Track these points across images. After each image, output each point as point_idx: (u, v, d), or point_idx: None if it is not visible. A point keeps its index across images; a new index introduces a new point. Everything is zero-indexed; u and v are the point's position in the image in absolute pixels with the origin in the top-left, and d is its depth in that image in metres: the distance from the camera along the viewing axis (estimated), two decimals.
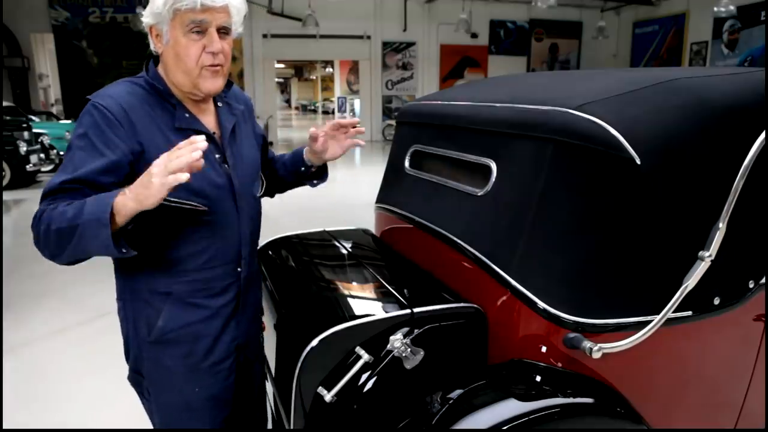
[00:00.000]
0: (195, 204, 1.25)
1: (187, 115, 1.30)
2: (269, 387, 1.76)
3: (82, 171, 1.15)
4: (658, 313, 1.20)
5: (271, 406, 1.77)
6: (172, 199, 1.18)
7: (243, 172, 1.39)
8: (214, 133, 1.35)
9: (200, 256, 1.31)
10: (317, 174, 1.66)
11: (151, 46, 1.29)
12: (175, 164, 1.02)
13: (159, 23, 1.24)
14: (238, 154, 1.39)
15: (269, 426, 1.80)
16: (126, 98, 1.23)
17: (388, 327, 1.26)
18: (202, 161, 1.06)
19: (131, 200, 1.06)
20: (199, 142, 1.05)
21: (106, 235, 1.06)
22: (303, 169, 1.61)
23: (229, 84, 1.42)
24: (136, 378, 1.41)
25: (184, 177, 1.02)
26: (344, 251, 1.86)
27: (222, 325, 1.37)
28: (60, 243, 1.11)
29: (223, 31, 1.26)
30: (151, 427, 1.48)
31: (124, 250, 1.11)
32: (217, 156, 1.33)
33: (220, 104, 1.39)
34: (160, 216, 1.17)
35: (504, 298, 1.31)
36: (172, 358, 1.33)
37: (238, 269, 1.39)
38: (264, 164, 1.60)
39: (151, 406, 1.41)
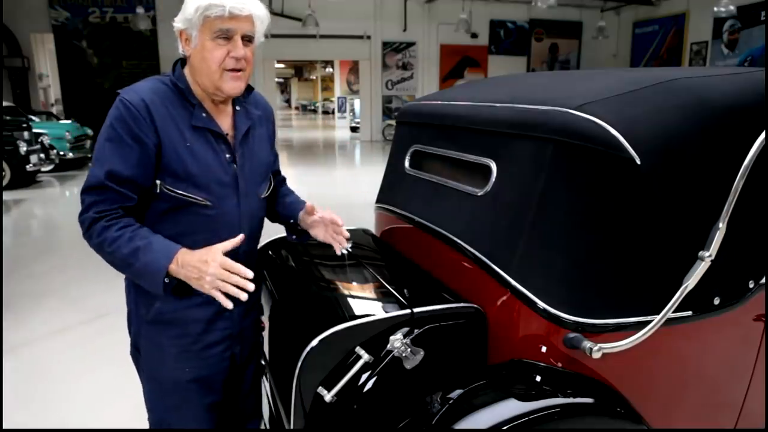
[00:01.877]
0: (198, 198, 1.35)
1: (204, 114, 1.39)
2: (268, 387, 1.76)
3: (117, 166, 1.27)
4: (658, 313, 1.20)
5: (269, 402, 1.77)
6: (178, 191, 1.33)
7: (251, 173, 1.47)
8: (227, 134, 1.43)
9: (199, 247, 1.35)
10: (300, 233, 1.70)
11: (179, 50, 1.39)
12: (225, 286, 1.22)
13: (189, 28, 1.33)
14: (249, 156, 1.47)
15: (266, 423, 1.80)
16: (148, 94, 1.33)
17: (388, 327, 1.27)
18: (245, 296, 1.23)
19: (182, 276, 1.26)
20: (250, 284, 1.22)
21: (159, 286, 1.27)
22: (292, 221, 1.68)
23: (250, 89, 1.50)
24: (135, 354, 1.52)
25: (229, 305, 1.24)
26: (344, 251, 1.86)
27: (215, 313, 1.44)
28: (111, 262, 1.31)
29: (247, 39, 1.35)
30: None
31: (165, 285, 1.29)
32: (227, 156, 1.41)
33: (237, 108, 1.48)
34: (166, 204, 1.33)
35: (504, 298, 1.31)
36: (166, 337, 1.43)
37: None
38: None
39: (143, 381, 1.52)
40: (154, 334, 1.43)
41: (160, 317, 1.41)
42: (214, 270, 1.22)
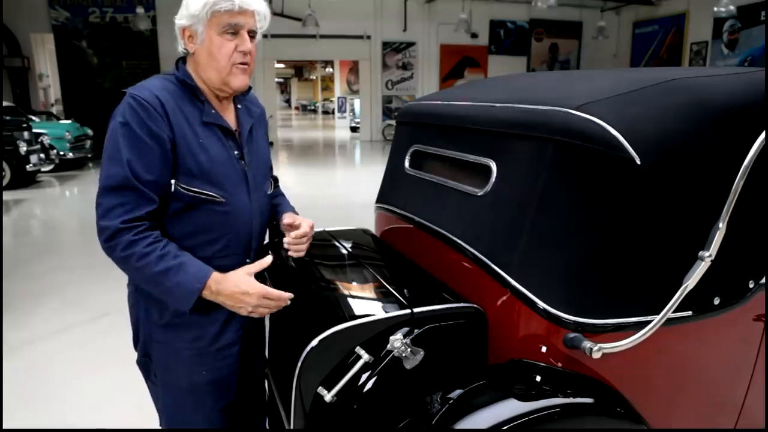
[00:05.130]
0: (213, 194, 1.35)
1: (213, 111, 1.40)
2: (267, 386, 1.76)
3: (136, 165, 1.25)
4: (658, 313, 1.20)
5: (268, 401, 1.77)
6: (192, 189, 1.33)
7: (257, 169, 1.48)
8: (235, 130, 1.45)
9: (214, 245, 1.39)
10: (281, 236, 1.66)
11: (180, 47, 1.39)
12: (264, 311, 1.33)
13: (194, 24, 1.33)
14: (254, 153, 1.48)
15: (266, 423, 1.80)
16: (161, 92, 1.33)
17: (388, 327, 1.26)
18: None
19: (218, 301, 1.31)
20: (288, 299, 1.33)
21: (188, 307, 1.29)
22: (275, 223, 1.66)
23: (248, 88, 1.51)
24: (144, 362, 1.49)
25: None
26: (344, 251, 1.86)
27: (230, 312, 1.42)
28: (134, 276, 1.33)
29: (251, 34, 1.37)
30: (155, 411, 1.54)
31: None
32: (235, 152, 1.42)
33: (239, 106, 1.49)
34: (180, 204, 1.32)
35: (504, 298, 1.31)
36: (181, 341, 1.41)
37: (247, 260, 1.46)
38: None
39: (157, 389, 1.50)
40: (168, 338, 1.41)
41: (175, 320, 1.39)
42: (255, 302, 1.30)
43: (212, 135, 1.37)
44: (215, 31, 1.31)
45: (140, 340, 1.47)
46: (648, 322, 1.20)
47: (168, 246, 1.28)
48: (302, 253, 1.55)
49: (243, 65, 1.36)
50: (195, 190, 1.33)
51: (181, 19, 1.34)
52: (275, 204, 1.68)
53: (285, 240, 1.54)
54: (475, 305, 1.36)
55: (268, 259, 1.35)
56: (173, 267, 1.26)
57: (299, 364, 1.25)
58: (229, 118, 1.45)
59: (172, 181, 1.31)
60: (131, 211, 1.24)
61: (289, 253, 1.54)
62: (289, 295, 1.34)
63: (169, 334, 1.41)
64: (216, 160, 1.35)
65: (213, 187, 1.35)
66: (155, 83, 1.35)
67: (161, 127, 1.28)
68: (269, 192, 1.56)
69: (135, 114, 1.27)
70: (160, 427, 1.54)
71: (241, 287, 1.29)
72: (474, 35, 16.68)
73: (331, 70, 30.23)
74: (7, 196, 8.47)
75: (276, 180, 1.77)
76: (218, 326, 1.42)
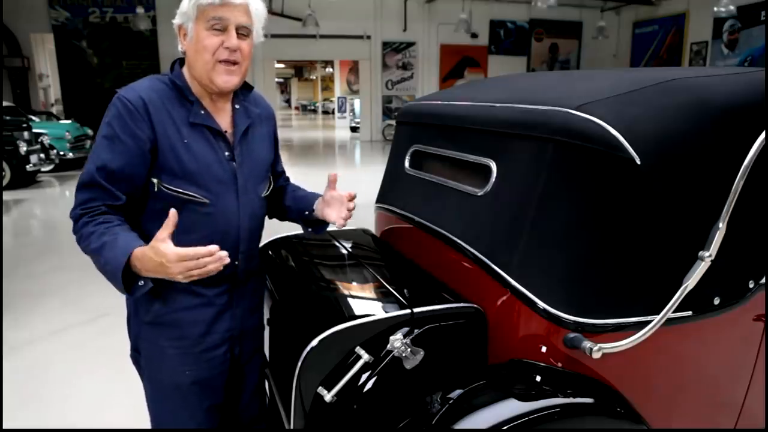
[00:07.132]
0: (196, 196, 1.34)
1: (202, 112, 1.39)
2: (268, 387, 1.76)
3: (107, 161, 1.27)
4: (658, 313, 1.20)
5: (268, 401, 1.77)
6: (175, 189, 1.32)
7: (250, 171, 1.45)
8: (226, 131, 1.43)
9: (199, 245, 1.32)
10: (316, 223, 1.65)
11: (179, 47, 1.39)
12: (197, 272, 1.15)
13: (185, 22, 1.34)
14: (248, 154, 1.46)
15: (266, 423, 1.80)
16: (147, 92, 1.33)
17: (388, 327, 1.27)
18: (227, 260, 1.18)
19: (150, 273, 1.20)
20: (225, 257, 1.17)
21: (119, 284, 1.22)
22: (307, 213, 1.62)
23: (249, 88, 1.51)
24: (135, 356, 1.51)
25: (226, 261, 1.17)
26: (344, 251, 1.86)
27: (216, 314, 1.43)
28: (87, 254, 1.28)
29: (243, 31, 1.34)
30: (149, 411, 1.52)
31: (137, 288, 1.24)
32: (226, 153, 1.41)
33: (237, 106, 1.47)
34: (163, 203, 1.31)
35: (504, 298, 1.31)
36: (166, 339, 1.41)
37: (236, 263, 1.44)
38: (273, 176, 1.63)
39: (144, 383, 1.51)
40: (153, 336, 1.42)
41: (160, 319, 1.40)
42: (177, 268, 1.15)
43: (199, 136, 1.36)
44: (202, 27, 1.31)
45: (131, 335, 1.49)
46: (648, 322, 1.20)
47: (114, 226, 1.25)
48: (342, 222, 1.51)
49: (228, 63, 1.33)
50: (177, 190, 1.32)
51: (176, 19, 1.36)
52: (300, 196, 1.66)
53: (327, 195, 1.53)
54: (475, 305, 1.36)
55: (172, 213, 1.19)
56: (108, 242, 1.21)
57: (299, 364, 1.25)
58: (224, 118, 1.43)
59: (155, 180, 1.31)
60: (93, 202, 1.28)
61: (336, 224, 1.51)
62: (207, 249, 1.15)
63: (154, 331, 1.42)
64: (201, 160, 1.34)
65: (197, 188, 1.34)
66: (144, 83, 1.36)
67: (141, 128, 1.28)
68: (264, 194, 1.53)
69: (117, 114, 1.29)
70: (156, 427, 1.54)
71: (155, 257, 1.16)
72: (474, 35, 16.69)
73: (331, 70, 30.23)
74: (7, 196, 8.47)
75: (288, 179, 1.75)
76: (203, 327, 1.41)
